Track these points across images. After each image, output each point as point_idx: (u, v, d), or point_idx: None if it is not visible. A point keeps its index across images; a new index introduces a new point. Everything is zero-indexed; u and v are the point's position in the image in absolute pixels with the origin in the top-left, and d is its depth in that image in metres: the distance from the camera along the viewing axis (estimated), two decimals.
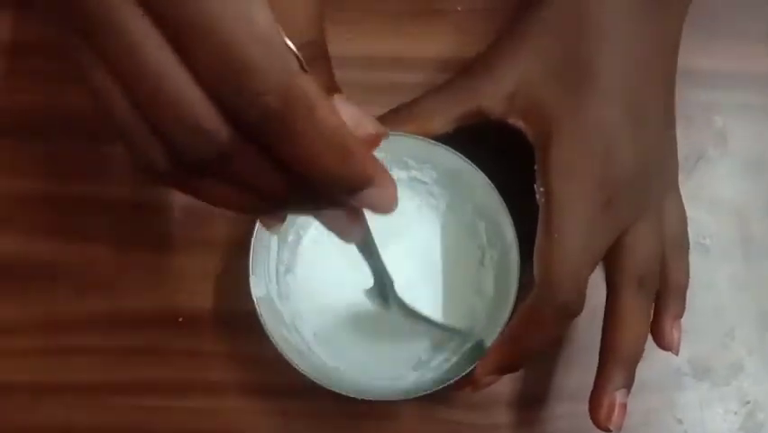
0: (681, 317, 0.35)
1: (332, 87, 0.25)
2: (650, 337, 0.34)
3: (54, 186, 0.41)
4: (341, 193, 0.22)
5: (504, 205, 0.35)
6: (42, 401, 0.38)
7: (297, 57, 0.21)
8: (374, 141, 0.25)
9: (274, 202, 0.23)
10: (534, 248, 0.33)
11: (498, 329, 0.34)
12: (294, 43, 0.21)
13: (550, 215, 0.32)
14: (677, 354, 0.35)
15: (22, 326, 0.39)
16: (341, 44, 0.42)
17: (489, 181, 0.35)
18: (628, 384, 0.33)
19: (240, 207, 0.23)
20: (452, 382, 0.34)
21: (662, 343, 0.35)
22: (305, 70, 0.21)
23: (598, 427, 0.33)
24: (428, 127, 0.36)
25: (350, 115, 0.23)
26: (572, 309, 0.32)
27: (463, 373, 0.34)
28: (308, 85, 0.20)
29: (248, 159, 0.21)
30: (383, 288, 0.35)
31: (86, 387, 0.38)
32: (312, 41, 0.23)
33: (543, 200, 0.33)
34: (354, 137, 0.22)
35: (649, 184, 0.34)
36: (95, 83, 0.21)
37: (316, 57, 0.24)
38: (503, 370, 0.34)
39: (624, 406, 0.33)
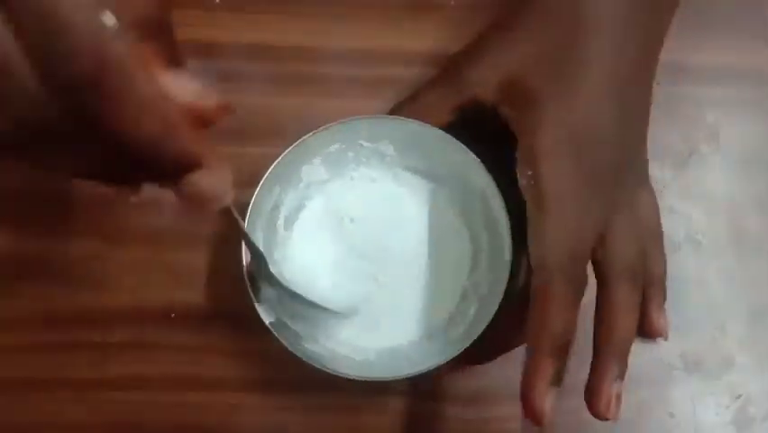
0: (664, 303, 0.37)
1: (176, 60, 0.26)
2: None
3: (46, 181, 0.40)
4: (168, 171, 0.23)
5: (501, 200, 0.35)
6: (36, 398, 0.38)
7: (116, 26, 0.21)
8: (217, 113, 0.25)
9: (107, 173, 0.23)
10: (528, 232, 0.33)
11: (491, 310, 0.34)
12: (126, 17, 0.22)
13: (541, 196, 0.33)
14: (666, 339, 0.36)
15: (15, 322, 0.39)
16: (336, 39, 0.42)
17: (489, 175, 0.36)
18: (622, 374, 0.34)
19: (79, 176, 0.24)
20: (435, 367, 0.34)
21: (652, 331, 0.36)
22: (124, 40, 0.21)
23: (598, 417, 0.33)
24: (429, 122, 0.36)
25: (191, 90, 0.24)
26: (580, 284, 0.32)
27: (447, 360, 0.34)
28: (124, 51, 0.21)
29: (71, 126, 0.21)
30: (258, 265, 0.34)
31: (81, 383, 0.38)
32: (148, 17, 0.24)
33: (531, 183, 0.33)
34: (179, 112, 0.22)
35: (626, 176, 0.35)
36: None
37: (155, 32, 0.25)
38: (555, 364, 0.32)
39: (620, 396, 0.33)
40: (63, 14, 0.20)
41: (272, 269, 0.34)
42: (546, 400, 0.32)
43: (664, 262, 0.37)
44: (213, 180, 0.24)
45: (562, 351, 0.32)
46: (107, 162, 0.23)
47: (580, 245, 0.33)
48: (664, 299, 0.37)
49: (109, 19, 0.21)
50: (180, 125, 0.22)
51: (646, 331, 0.36)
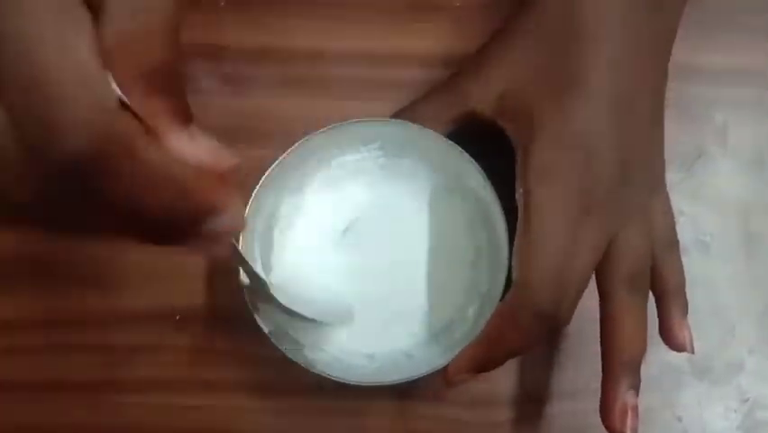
0: (687, 314, 0.35)
1: (186, 114, 0.24)
2: (649, 337, 0.34)
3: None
4: (184, 230, 0.22)
5: (497, 200, 0.35)
6: (41, 400, 0.38)
7: (119, 97, 0.19)
8: (230, 173, 0.23)
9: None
10: (513, 248, 0.33)
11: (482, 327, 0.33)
12: (144, 67, 0.20)
13: (528, 216, 0.32)
14: (693, 353, 0.35)
15: (20, 324, 0.39)
16: (341, 40, 0.42)
17: (485, 176, 0.35)
18: (636, 386, 0.33)
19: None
20: (425, 374, 0.34)
21: (674, 345, 0.35)
22: (125, 108, 0.19)
23: (614, 432, 0.32)
24: None
25: (204, 147, 0.22)
26: (549, 314, 0.31)
27: (438, 368, 0.34)
28: (127, 124, 0.19)
29: (75, 201, 0.20)
30: (258, 288, 0.34)
31: (85, 385, 0.38)
32: (165, 62, 0.22)
33: (522, 201, 0.33)
34: (189, 169, 0.21)
35: (632, 189, 0.34)
36: None
37: (170, 79, 0.22)
38: (476, 369, 0.33)
39: (635, 408, 0.33)
40: (56, 84, 0.17)
41: (271, 289, 0.33)
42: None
43: (681, 270, 0.36)
44: (228, 219, 0.23)
45: (487, 367, 0.33)
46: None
47: (562, 275, 0.31)
48: (686, 309, 0.35)
49: (112, 85, 0.19)
50: (196, 188, 0.21)
51: (670, 346, 0.35)
